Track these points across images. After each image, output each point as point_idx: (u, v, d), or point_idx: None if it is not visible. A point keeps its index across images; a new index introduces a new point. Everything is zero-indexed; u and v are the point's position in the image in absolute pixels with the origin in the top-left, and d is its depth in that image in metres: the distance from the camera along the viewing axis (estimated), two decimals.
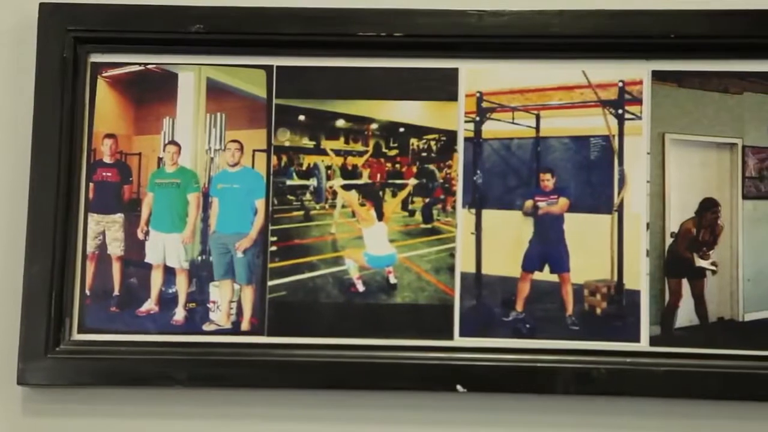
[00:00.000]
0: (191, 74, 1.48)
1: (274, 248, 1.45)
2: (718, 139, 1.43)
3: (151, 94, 1.48)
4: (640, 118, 1.43)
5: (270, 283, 1.44)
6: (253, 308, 1.44)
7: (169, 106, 1.48)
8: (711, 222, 1.42)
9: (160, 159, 1.48)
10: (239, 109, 1.47)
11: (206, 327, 1.45)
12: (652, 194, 1.42)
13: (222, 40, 1.46)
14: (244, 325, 1.45)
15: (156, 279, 1.46)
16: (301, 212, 1.47)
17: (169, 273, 1.46)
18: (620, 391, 1.39)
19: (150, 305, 1.46)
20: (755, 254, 1.41)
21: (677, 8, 1.41)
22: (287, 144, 1.47)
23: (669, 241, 1.42)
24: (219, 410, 1.44)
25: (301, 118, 1.47)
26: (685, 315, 1.42)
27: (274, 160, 1.47)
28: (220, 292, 1.46)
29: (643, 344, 1.41)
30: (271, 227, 1.46)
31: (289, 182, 1.47)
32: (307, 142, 1.47)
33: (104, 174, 1.47)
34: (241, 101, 1.47)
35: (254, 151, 1.47)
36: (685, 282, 1.42)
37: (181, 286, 1.46)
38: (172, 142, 1.48)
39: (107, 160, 1.48)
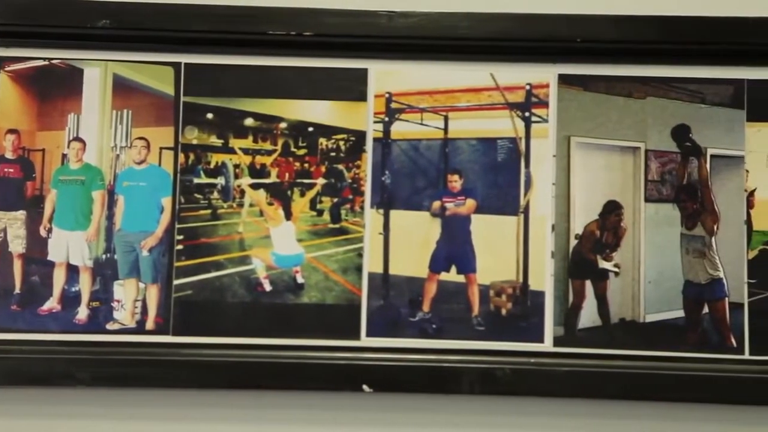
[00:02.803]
0: (97, 70, 1.46)
1: (180, 247, 1.44)
2: (622, 142, 1.45)
3: (55, 90, 1.46)
4: (546, 121, 1.45)
5: (176, 281, 1.43)
6: (159, 307, 1.43)
7: (74, 102, 1.46)
8: (614, 224, 1.45)
9: (64, 155, 1.46)
10: (146, 106, 1.46)
11: (110, 326, 1.43)
12: (558, 196, 1.44)
13: (129, 36, 1.45)
14: (149, 325, 1.43)
15: (59, 277, 1.44)
16: (209, 211, 1.46)
17: (73, 271, 1.44)
18: (524, 391, 1.40)
19: (52, 304, 1.43)
20: (656, 256, 1.44)
21: (583, 13, 1.43)
22: (195, 142, 1.46)
23: (573, 242, 1.44)
24: (123, 410, 1.43)
25: (209, 116, 1.46)
26: (588, 316, 1.43)
27: (181, 158, 1.45)
28: (124, 291, 1.44)
29: (547, 344, 1.42)
30: (177, 226, 1.44)
31: (196, 180, 1.46)
32: (215, 141, 1.46)
33: (6, 170, 1.45)
34: (148, 98, 1.46)
35: (161, 148, 1.46)
36: (588, 283, 1.44)
37: (85, 284, 1.44)
38: (77, 139, 1.46)
39: (9, 155, 1.45)
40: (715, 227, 1.43)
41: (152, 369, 1.40)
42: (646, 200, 1.45)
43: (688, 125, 1.44)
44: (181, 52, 1.46)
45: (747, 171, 1.43)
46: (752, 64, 1.43)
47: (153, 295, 1.44)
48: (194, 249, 1.44)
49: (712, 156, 1.44)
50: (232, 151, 1.47)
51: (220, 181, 1.46)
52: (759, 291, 1.42)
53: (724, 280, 1.42)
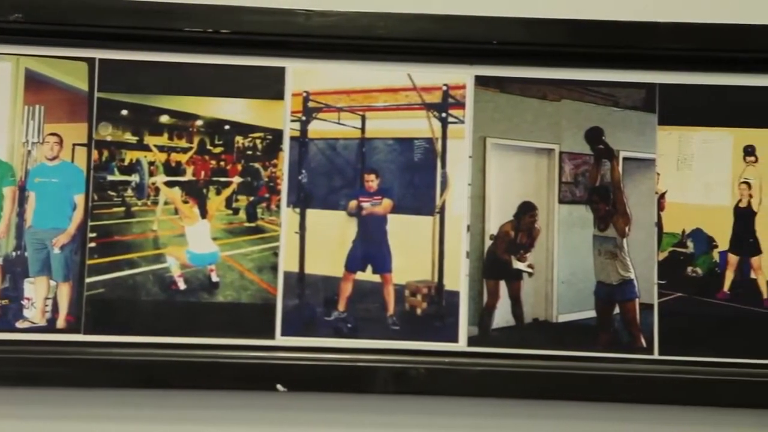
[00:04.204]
0: (9, 64, 1.43)
1: (93, 244, 1.42)
2: (537, 144, 1.46)
3: None
4: (462, 121, 1.46)
5: (88, 280, 1.42)
6: (70, 305, 1.41)
7: None
8: (528, 225, 1.46)
9: None
10: (59, 101, 1.44)
11: (20, 324, 1.41)
12: (473, 197, 1.45)
13: (42, 31, 1.42)
14: (60, 323, 1.41)
15: None
16: (122, 208, 1.44)
17: None
18: (438, 391, 1.41)
19: None
20: (569, 257, 1.45)
21: (500, 15, 1.44)
22: (109, 139, 1.44)
23: (488, 243, 1.45)
24: (32, 410, 1.41)
25: (124, 112, 1.44)
26: (502, 316, 1.45)
27: (94, 154, 1.44)
28: (35, 289, 1.42)
29: (461, 344, 1.43)
30: (90, 223, 1.43)
31: (110, 177, 1.44)
32: (129, 137, 1.45)
33: None
34: (62, 94, 1.44)
35: (74, 145, 1.44)
36: (502, 283, 1.45)
37: None
38: None
39: None
40: (627, 229, 1.45)
41: (63, 368, 1.39)
42: (560, 202, 1.46)
43: (602, 128, 1.46)
44: (95, 48, 1.44)
45: (658, 174, 1.45)
46: (664, 69, 1.45)
47: (64, 293, 1.42)
48: (107, 247, 1.43)
49: (624, 158, 1.46)
50: (147, 148, 1.45)
51: (134, 178, 1.45)
52: (669, 292, 1.44)
53: (635, 281, 1.44)
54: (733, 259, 1.45)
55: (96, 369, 1.39)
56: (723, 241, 1.45)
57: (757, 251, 1.45)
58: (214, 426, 1.43)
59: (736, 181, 1.46)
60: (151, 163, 1.45)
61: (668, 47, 1.44)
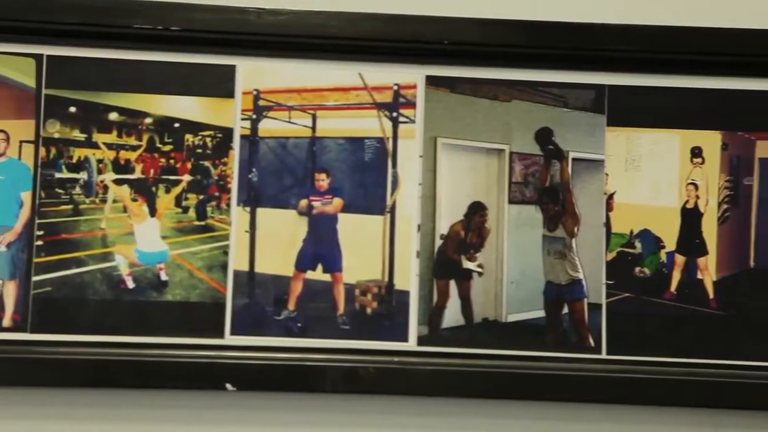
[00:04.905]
0: None
1: (40, 243, 1.41)
2: (487, 144, 1.47)
3: None
4: (413, 121, 1.46)
5: (35, 278, 1.40)
6: (16, 304, 1.40)
7: None
8: (478, 225, 1.46)
9: None
10: (6, 98, 1.42)
11: None
12: (424, 197, 1.45)
13: None
14: (6, 322, 1.40)
15: None
16: (70, 206, 1.43)
17: None
18: (388, 390, 1.41)
19: None
20: (519, 257, 1.46)
21: (451, 15, 1.44)
22: (57, 136, 1.43)
23: (438, 243, 1.45)
24: None
25: (72, 109, 1.43)
26: (452, 315, 1.45)
27: (42, 151, 1.42)
28: None
29: (411, 344, 1.43)
30: (37, 221, 1.41)
31: (58, 175, 1.43)
32: (77, 135, 1.43)
33: None
34: (8, 90, 1.42)
35: (21, 142, 1.42)
36: (452, 283, 1.46)
37: None
38: None
39: None
40: (576, 229, 1.46)
41: (9, 367, 1.38)
42: (510, 202, 1.47)
43: (551, 128, 1.47)
44: (43, 44, 1.42)
45: (606, 174, 1.46)
46: (613, 70, 1.46)
47: (10, 291, 1.40)
48: (55, 245, 1.41)
49: (573, 159, 1.47)
50: (95, 145, 1.44)
51: (82, 176, 1.43)
52: (616, 292, 1.45)
53: (584, 281, 1.45)
54: (680, 259, 1.47)
55: (42, 368, 1.38)
56: (670, 242, 1.47)
57: (704, 252, 1.47)
58: (162, 425, 1.43)
59: (683, 182, 1.47)
60: (99, 161, 1.44)
61: (617, 49, 1.45)
